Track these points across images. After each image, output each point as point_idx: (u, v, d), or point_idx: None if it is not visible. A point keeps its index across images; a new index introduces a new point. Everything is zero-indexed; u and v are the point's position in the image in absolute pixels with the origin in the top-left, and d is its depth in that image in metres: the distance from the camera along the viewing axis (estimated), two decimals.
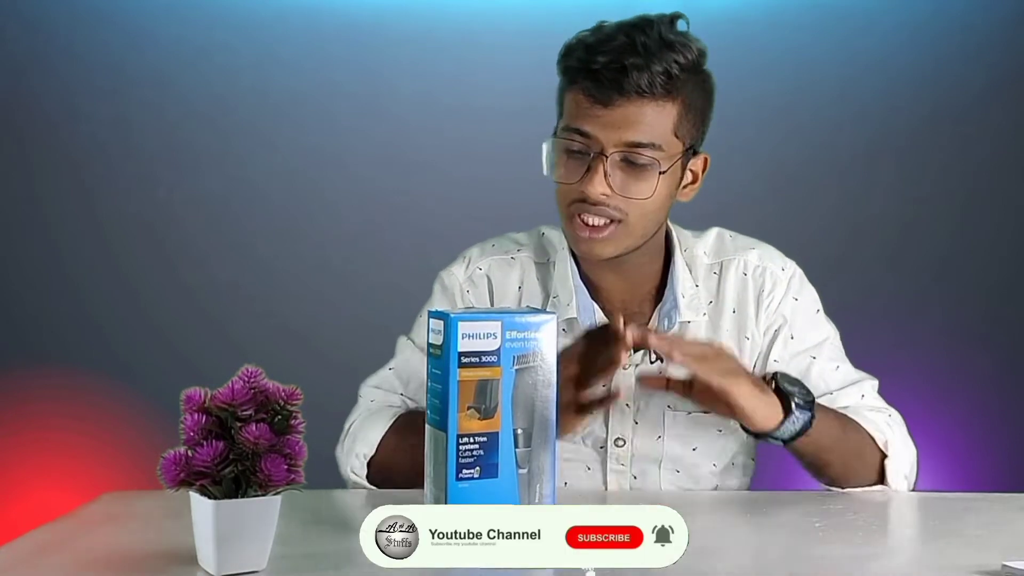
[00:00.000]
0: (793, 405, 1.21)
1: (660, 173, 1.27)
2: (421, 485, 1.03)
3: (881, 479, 1.30)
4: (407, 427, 1.30)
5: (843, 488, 1.30)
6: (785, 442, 1.23)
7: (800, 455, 1.27)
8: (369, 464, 1.30)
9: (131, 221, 2.70)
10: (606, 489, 1.37)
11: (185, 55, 2.69)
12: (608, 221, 1.27)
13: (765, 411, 1.20)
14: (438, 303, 1.42)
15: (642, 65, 1.23)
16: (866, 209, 2.78)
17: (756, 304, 1.39)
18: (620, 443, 1.37)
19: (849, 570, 0.96)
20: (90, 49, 2.68)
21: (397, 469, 1.28)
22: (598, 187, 1.24)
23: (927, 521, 1.16)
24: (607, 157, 1.25)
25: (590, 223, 1.27)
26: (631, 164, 1.26)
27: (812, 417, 1.22)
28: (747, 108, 2.62)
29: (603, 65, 1.24)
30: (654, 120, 1.25)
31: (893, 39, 2.76)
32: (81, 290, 2.69)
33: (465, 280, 1.42)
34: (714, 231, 1.44)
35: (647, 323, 1.37)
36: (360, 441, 1.31)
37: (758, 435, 1.24)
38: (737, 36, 2.64)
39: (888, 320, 2.73)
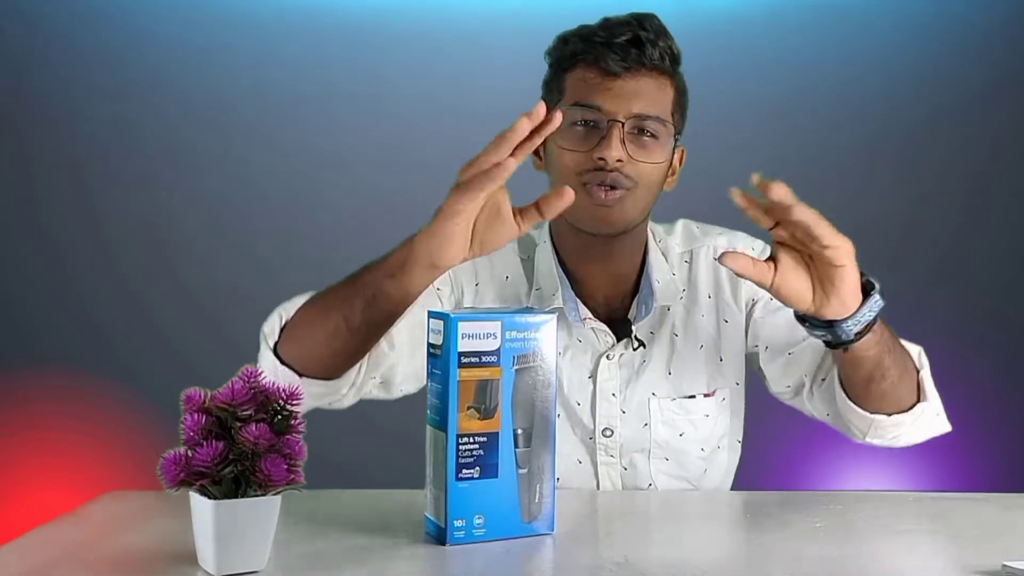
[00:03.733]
0: (876, 289, 1.16)
1: (674, 138, 1.32)
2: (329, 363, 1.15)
3: (917, 397, 1.29)
4: (321, 297, 1.26)
5: (888, 412, 1.26)
6: (853, 340, 1.15)
7: (863, 360, 1.19)
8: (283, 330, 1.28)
9: (131, 221, 2.70)
10: (598, 484, 1.38)
11: (185, 55, 2.69)
12: (619, 189, 1.29)
13: (855, 294, 1.13)
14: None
15: (653, 40, 1.30)
16: (866, 209, 2.78)
17: (732, 284, 1.42)
18: (608, 433, 1.38)
19: (849, 570, 0.96)
20: (90, 49, 2.68)
21: (307, 335, 1.23)
22: (615, 152, 1.27)
23: (927, 521, 1.16)
24: (623, 125, 1.28)
25: (603, 191, 1.29)
26: (640, 135, 1.30)
27: (883, 307, 1.17)
28: (747, 108, 2.62)
29: (614, 38, 1.29)
30: (658, 95, 1.31)
31: (893, 39, 2.76)
32: (81, 290, 2.69)
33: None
34: (680, 222, 1.48)
35: (626, 316, 1.40)
36: (283, 307, 1.34)
37: (828, 325, 1.14)
38: (737, 36, 2.65)
39: (888, 320, 2.73)
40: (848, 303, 1.13)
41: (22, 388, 2.63)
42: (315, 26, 2.70)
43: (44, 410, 2.64)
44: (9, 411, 2.64)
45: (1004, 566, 0.90)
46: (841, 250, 1.09)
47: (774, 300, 1.34)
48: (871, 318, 1.16)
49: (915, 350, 1.32)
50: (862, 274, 1.15)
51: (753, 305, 1.43)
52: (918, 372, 1.30)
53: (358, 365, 1.26)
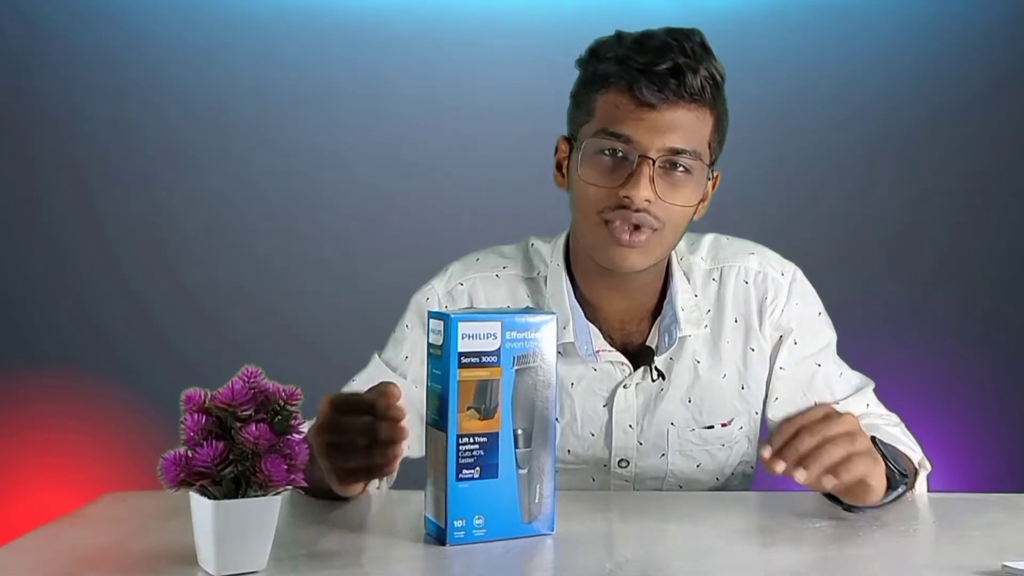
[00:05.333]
0: (899, 481, 1.13)
1: (707, 179, 1.25)
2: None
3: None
4: None
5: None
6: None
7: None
8: None
9: (131, 221, 2.70)
10: None
11: (185, 55, 2.69)
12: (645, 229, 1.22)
13: (880, 488, 1.09)
14: (410, 322, 1.38)
15: (695, 67, 1.20)
16: (866, 209, 2.78)
17: (759, 313, 1.36)
18: (623, 464, 1.35)
19: (849, 570, 0.96)
20: (90, 49, 2.68)
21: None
22: (643, 192, 1.19)
23: (927, 521, 1.16)
24: (653, 162, 1.21)
25: (627, 228, 1.21)
26: (671, 171, 1.22)
27: (908, 487, 1.16)
28: (747, 108, 2.59)
29: (652, 65, 1.19)
30: (696, 127, 1.22)
31: (893, 39, 2.76)
32: (81, 290, 2.69)
33: (444, 295, 1.37)
34: (710, 236, 1.41)
35: (645, 340, 1.34)
36: None
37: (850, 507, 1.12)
38: (737, 36, 2.64)
39: (888, 320, 2.74)
40: (865, 501, 1.10)
41: (22, 388, 2.63)
42: (315, 26, 2.70)
43: (44, 410, 2.64)
44: (9, 411, 2.64)
45: (1004, 566, 0.90)
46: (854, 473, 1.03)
47: (800, 344, 1.37)
48: (889, 500, 1.13)
49: (916, 457, 1.28)
50: (890, 462, 1.11)
51: (780, 341, 1.37)
52: (916, 472, 1.26)
53: None
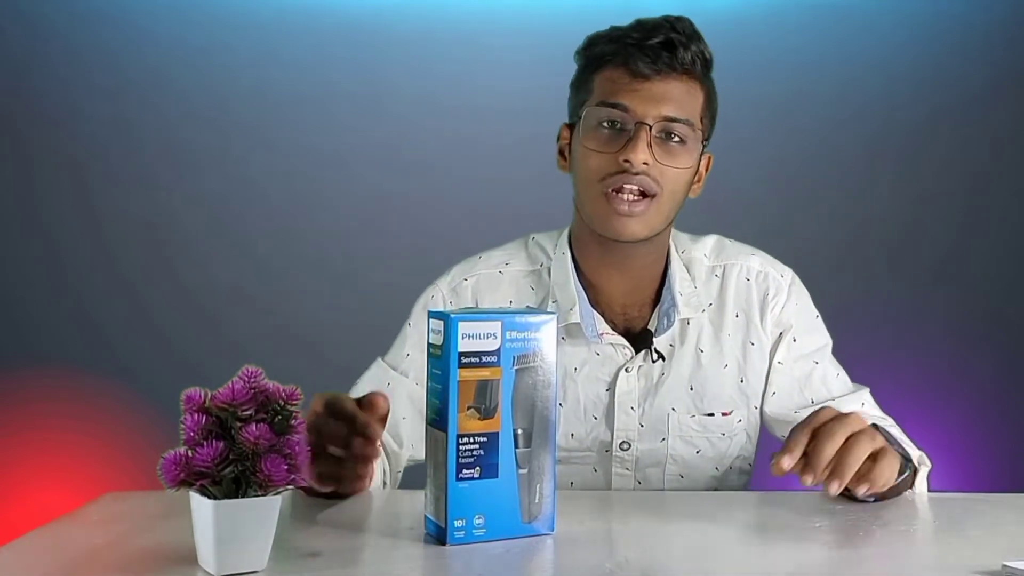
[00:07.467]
0: (906, 465, 1.14)
1: (702, 143, 1.30)
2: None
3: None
4: None
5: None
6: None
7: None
8: None
9: (131, 221, 2.70)
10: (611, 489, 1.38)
11: (185, 55, 2.70)
12: (642, 195, 1.27)
13: (891, 474, 1.10)
14: (414, 320, 1.42)
15: (686, 43, 1.28)
16: (866, 209, 2.78)
17: (761, 309, 1.40)
18: (625, 447, 1.37)
19: (850, 571, 0.96)
20: (90, 49, 2.68)
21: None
22: (641, 154, 1.25)
23: (927, 521, 1.16)
24: (650, 128, 1.26)
25: (627, 197, 1.27)
26: (667, 139, 1.28)
27: (911, 473, 1.17)
28: (747, 108, 2.62)
29: (647, 40, 1.27)
30: (689, 99, 1.29)
31: (893, 39, 2.77)
32: (81, 290, 2.69)
33: (449, 292, 1.41)
34: (713, 237, 1.45)
35: (646, 325, 1.38)
36: None
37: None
38: (737, 36, 2.65)
39: (888, 320, 2.74)
40: (880, 490, 1.11)
41: (22, 388, 2.64)
42: (315, 26, 2.70)
43: (44, 410, 2.64)
44: (9, 411, 2.64)
45: (1004, 566, 0.90)
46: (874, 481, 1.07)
47: (798, 341, 1.41)
48: (891, 484, 1.14)
49: (915, 454, 1.29)
50: (896, 446, 1.12)
51: (780, 338, 1.41)
52: (916, 470, 1.27)
53: (381, 471, 1.27)
